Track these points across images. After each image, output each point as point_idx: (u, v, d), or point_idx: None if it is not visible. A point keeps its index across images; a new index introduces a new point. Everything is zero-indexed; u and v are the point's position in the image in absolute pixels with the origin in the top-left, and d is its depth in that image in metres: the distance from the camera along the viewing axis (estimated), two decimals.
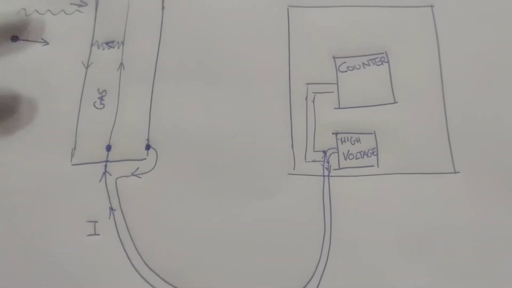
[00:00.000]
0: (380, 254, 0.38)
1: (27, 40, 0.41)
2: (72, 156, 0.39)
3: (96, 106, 0.40)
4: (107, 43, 0.42)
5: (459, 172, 0.39)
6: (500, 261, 0.37)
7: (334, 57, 0.41)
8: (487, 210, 0.38)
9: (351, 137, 0.40)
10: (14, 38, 0.41)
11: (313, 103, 0.40)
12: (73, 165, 0.39)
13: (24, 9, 0.42)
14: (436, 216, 0.38)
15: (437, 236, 0.38)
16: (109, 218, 0.38)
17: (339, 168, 0.39)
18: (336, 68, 0.41)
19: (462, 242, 0.38)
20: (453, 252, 0.38)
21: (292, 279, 0.37)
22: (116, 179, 0.39)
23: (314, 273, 0.37)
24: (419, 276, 0.37)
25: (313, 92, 0.41)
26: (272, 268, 0.37)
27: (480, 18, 0.42)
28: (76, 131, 0.40)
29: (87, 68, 0.41)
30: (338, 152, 0.39)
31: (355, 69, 0.41)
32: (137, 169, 0.39)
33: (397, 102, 0.40)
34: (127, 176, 0.39)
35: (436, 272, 0.37)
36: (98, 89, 0.41)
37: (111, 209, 0.38)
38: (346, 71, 0.41)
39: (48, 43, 0.42)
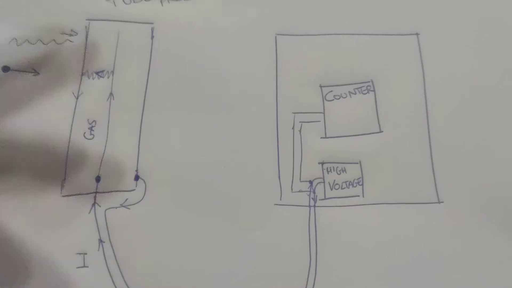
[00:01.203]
0: (365, 284, 0.38)
1: (18, 70, 0.42)
2: (62, 187, 0.39)
3: (86, 137, 0.41)
4: (97, 73, 0.42)
5: (442, 202, 0.39)
6: (482, 287, 0.38)
7: (321, 86, 0.42)
8: (470, 239, 0.39)
9: (337, 167, 0.40)
10: (5, 68, 0.42)
11: (300, 133, 0.41)
12: (63, 196, 0.39)
13: (15, 39, 0.42)
14: (421, 245, 0.39)
15: (422, 265, 0.38)
16: (98, 250, 0.38)
17: (325, 198, 0.40)
18: (322, 96, 0.42)
19: (447, 271, 0.38)
20: (437, 280, 0.38)
21: None
22: (105, 210, 0.39)
23: None
24: None
25: (300, 122, 0.41)
26: None
27: (465, 46, 0.43)
28: (66, 162, 0.40)
29: (77, 98, 0.41)
30: (324, 182, 0.40)
31: (341, 98, 0.41)
32: (126, 200, 0.39)
33: (382, 131, 0.41)
34: (116, 207, 0.39)
35: None
36: (88, 120, 0.41)
37: (100, 241, 0.38)
38: (333, 99, 0.41)
39: (38, 73, 0.42)
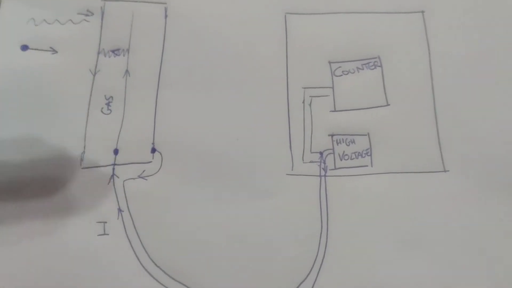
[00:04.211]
0: (374, 250, 0.39)
1: (37, 49, 0.43)
2: (81, 160, 0.41)
3: (104, 112, 0.42)
4: (113, 51, 0.43)
5: (448, 170, 0.41)
6: (485, 253, 0.39)
7: (329, 62, 0.43)
8: (474, 206, 0.40)
9: (346, 139, 0.42)
10: (24, 47, 0.43)
11: (310, 107, 0.42)
12: (83, 168, 0.41)
13: (33, 19, 0.43)
14: (427, 212, 0.40)
15: (429, 231, 0.40)
16: (118, 219, 0.40)
17: (335, 168, 0.41)
18: (331, 72, 0.43)
19: (453, 236, 0.40)
20: (444, 245, 0.39)
21: (291, 275, 0.39)
22: (124, 181, 0.40)
23: (311, 269, 0.39)
24: (413, 270, 0.39)
25: (310, 96, 0.42)
26: (271, 265, 0.39)
27: (469, 23, 0.44)
28: (85, 136, 0.41)
29: (94, 75, 0.43)
30: (334, 153, 0.41)
31: (349, 73, 0.43)
32: (143, 171, 0.41)
33: (389, 105, 0.42)
34: (134, 179, 0.41)
35: (430, 265, 0.39)
36: (105, 96, 0.42)
37: (119, 210, 0.40)
38: (341, 75, 0.43)
39: (56, 52, 0.43)
